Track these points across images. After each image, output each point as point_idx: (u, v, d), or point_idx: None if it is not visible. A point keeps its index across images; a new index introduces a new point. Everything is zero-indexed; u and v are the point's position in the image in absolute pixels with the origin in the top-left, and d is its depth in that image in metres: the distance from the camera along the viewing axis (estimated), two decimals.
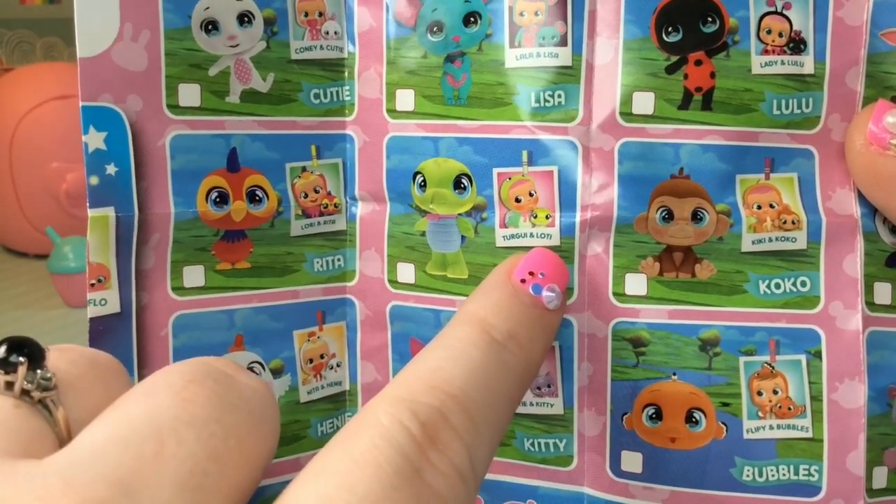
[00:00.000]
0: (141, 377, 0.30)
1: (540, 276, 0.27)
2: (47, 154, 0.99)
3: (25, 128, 1.00)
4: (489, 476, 0.31)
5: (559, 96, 0.29)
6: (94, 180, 0.29)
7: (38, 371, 0.19)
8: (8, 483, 0.16)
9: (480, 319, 0.25)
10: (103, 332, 0.30)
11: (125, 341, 0.30)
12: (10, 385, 0.19)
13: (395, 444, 0.20)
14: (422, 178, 0.31)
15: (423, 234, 0.31)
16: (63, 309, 0.91)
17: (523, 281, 0.27)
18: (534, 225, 0.29)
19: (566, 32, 0.29)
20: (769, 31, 0.28)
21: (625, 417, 0.30)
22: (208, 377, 0.19)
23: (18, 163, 1.00)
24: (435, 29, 0.30)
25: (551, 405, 0.30)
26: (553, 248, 0.29)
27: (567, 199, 0.29)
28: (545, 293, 0.27)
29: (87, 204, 0.29)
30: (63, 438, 0.19)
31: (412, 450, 0.20)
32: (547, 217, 0.29)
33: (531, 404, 0.30)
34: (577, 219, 0.29)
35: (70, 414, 0.19)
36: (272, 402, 0.21)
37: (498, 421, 0.23)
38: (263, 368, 0.32)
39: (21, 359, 0.19)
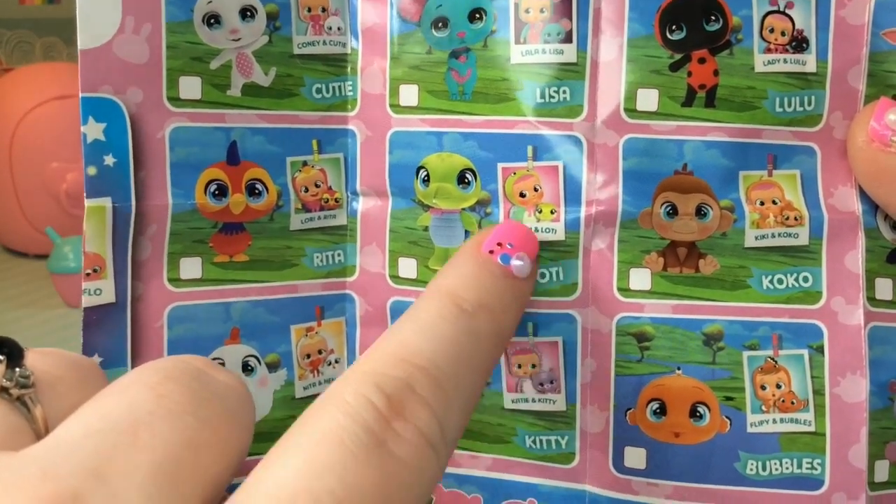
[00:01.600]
0: (134, 367, 0.30)
1: (508, 246, 0.27)
2: (47, 154, 0.98)
3: (25, 128, 0.99)
4: (489, 474, 0.31)
5: (564, 92, 0.29)
6: (91, 171, 0.29)
7: (17, 369, 0.20)
8: None
9: (450, 292, 0.26)
10: (97, 322, 0.29)
11: (119, 331, 0.29)
12: None
13: (358, 419, 0.20)
14: (425, 173, 0.31)
15: (426, 228, 0.31)
16: (63, 309, 0.90)
17: (492, 252, 0.27)
18: (538, 220, 0.29)
19: (571, 29, 0.29)
20: (772, 30, 0.29)
21: (628, 413, 0.30)
22: (183, 373, 0.20)
23: (18, 163, 0.99)
24: (440, 25, 0.30)
25: (554, 402, 0.30)
26: (558, 244, 0.29)
27: (572, 195, 0.29)
28: (514, 262, 0.27)
29: (85, 194, 0.29)
30: (41, 435, 0.19)
31: (376, 422, 0.20)
32: (552, 212, 0.29)
33: (533, 401, 0.30)
34: (582, 214, 0.29)
35: (48, 412, 0.20)
36: (248, 398, 0.21)
37: (469, 389, 0.24)
38: (259, 362, 0.31)
39: (0, 357, 0.20)
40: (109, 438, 0.18)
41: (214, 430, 0.19)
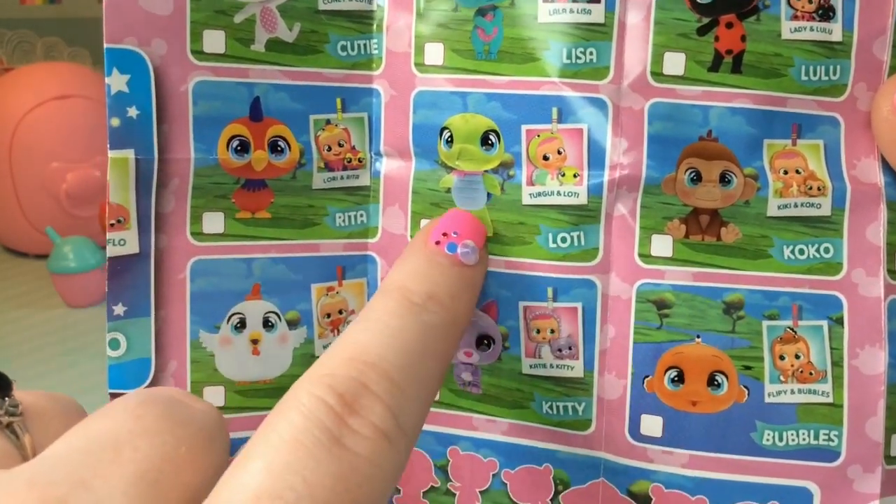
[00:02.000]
0: (158, 318, 0.30)
1: (454, 235, 0.28)
2: (47, 154, 0.99)
3: (25, 128, 1.00)
4: (505, 438, 0.31)
5: (591, 53, 0.29)
6: (115, 122, 0.29)
7: (7, 399, 0.22)
8: None
9: (399, 287, 0.27)
10: (122, 272, 0.29)
11: (143, 282, 0.30)
12: None
13: (313, 419, 0.21)
14: (449, 134, 0.30)
15: (449, 190, 0.31)
16: (63, 309, 0.91)
17: (438, 243, 0.28)
18: (561, 183, 0.29)
19: None
20: None
21: (646, 380, 0.29)
22: (159, 399, 0.22)
23: (18, 163, 1.00)
24: None
25: (571, 368, 0.30)
26: (580, 207, 0.29)
27: (596, 158, 0.29)
28: (460, 250, 0.28)
29: (108, 145, 0.29)
30: (29, 460, 0.21)
31: (331, 421, 0.22)
32: (575, 175, 0.29)
33: (551, 366, 0.30)
34: (606, 178, 0.29)
35: (35, 440, 0.22)
36: (221, 422, 0.23)
37: (425, 378, 0.25)
38: (280, 319, 0.31)
39: None
40: (93, 453, 0.19)
41: (191, 448, 0.21)
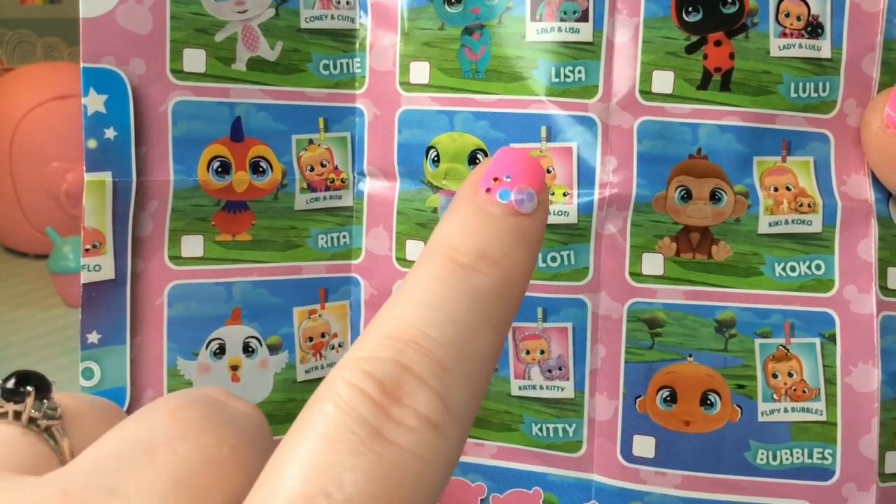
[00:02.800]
0: (133, 346, 0.29)
1: (506, 180, 0.24)
2: (47, 154, 0.98)
3: (25, 128, 0.98)
4: (494, 462, 0.30)
5: (579, 72, 0.29)
6: (91, 144, 0.28)
7: (45, 401, 0.21)
8: (9, 492, 0.18)
9: (443, 245, 0.23)
10: (96, 299, 0.28)
11: (118, 308, 0.29)
12: (18, 414, 0.20)
13: (351, 413, 0.19)
14: (435, 153, 0.30)
15: (436, 210, 0.30)
16: (63, 309, 0.90)
17: (489, 190, 0.24)
18: (551, 203, 0.29)
19: (587, 8, 0.28)
20: (787, 15, 0.28)
21: (638, 400, 0.29)
22: (198, 401, 0.20)
23: (18, 163, 0.99)
24: (454, 0, 0.30)
25: (562, 389, 0.30)
26: (570, 227, 0.29)
27: (585, 177, 0.29)
28: (514, 196, 0.23)
29: (84, 167, 0.28)
30: (66, 464, 0.20)
31: (370, 412, 0.19)
32: (564, 194, 0.29)
33: (541, 388, 0.30)
34: (595, 197, 0.29)
35: (73, 443, 0.20)
36: (264, 424, 0.21)
37: (479, 353, 0.22)
38: (261, 344, 0.30)
39: (29, 388, 0.21)
40: (128, 458, 0.18)
41: (232, 450, 0.19)
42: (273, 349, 0.31)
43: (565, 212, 0.29)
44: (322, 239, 0.31)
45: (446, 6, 0.30)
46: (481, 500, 0.31)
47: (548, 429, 0.30)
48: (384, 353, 0.20)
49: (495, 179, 0.24)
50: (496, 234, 0.23)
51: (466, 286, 0.22)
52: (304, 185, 0.31)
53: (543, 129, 0.29)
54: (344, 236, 0.31)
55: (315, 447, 0.19)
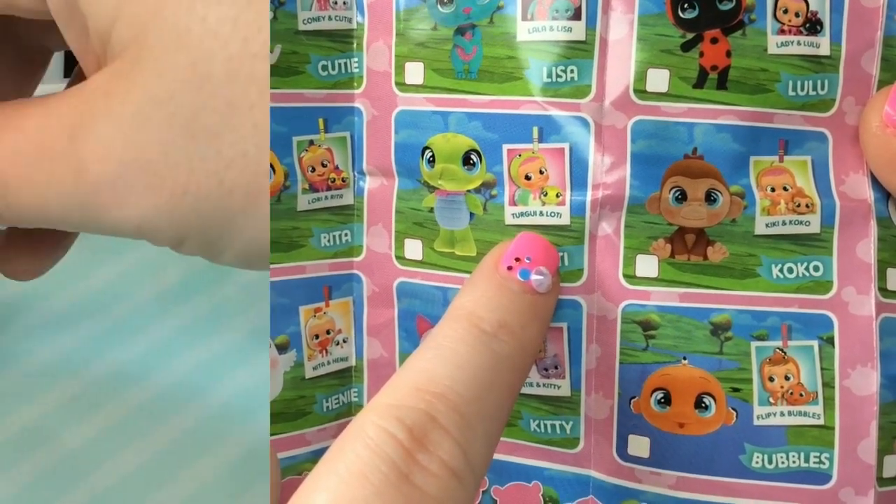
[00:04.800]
0: None
1: (527, 261, 0.27)
2: None
3: None
4: (495, 456, 0.31)
5: (572, 71, 0.28)
6: None
7: None
8: None
9: (469, 313, 0.25)
10: None
11: None
12: None
13: (380, 454, 0.21)
14: (430, 154, 0.30)
15: (432, 210, 0.30)
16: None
17: (510, 268, 0.27)
18: (544, 203, 0.29)
19: (580, 6, 0.28)
20: (785, 11, 0.27)
21: (633, 401, 0.29)
22: None
23: None
24: (446, 0, 0.29)
25: (558, 387, 0.30)
26: (563, 228, 0.29)
27: (578, 178, 0.29)
28: (534, 277, 0.27)
29: None
30: None
31: (399, 456, 0.21)
32: (557, 195, 0.29)
33: (538, 385, 0.30)
34: (588, 198, 0.29)
35: None
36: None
37: (495, 412, 0.24)
38: (269, 345, 0.31)
39: None
40: None
41: None
42: (281, 349, 0.31)
43: (558, 213, 0.29)
44: (325, 238, 0.32)
45: (439, 6, 0.29)
46: (483, 492, 0.31)
47: (546, 425, 0.30)
48: (412, 402, 0.22)
49: (517, 259, 0.27)
50: (515, 308, 0.26)
51: (488, 351, 0.24)
52: (306, 186, 0.31)
53: (535, 130, 0.29)
54: (346, 234, 0.32)
55: (346, 481, 0.20)
